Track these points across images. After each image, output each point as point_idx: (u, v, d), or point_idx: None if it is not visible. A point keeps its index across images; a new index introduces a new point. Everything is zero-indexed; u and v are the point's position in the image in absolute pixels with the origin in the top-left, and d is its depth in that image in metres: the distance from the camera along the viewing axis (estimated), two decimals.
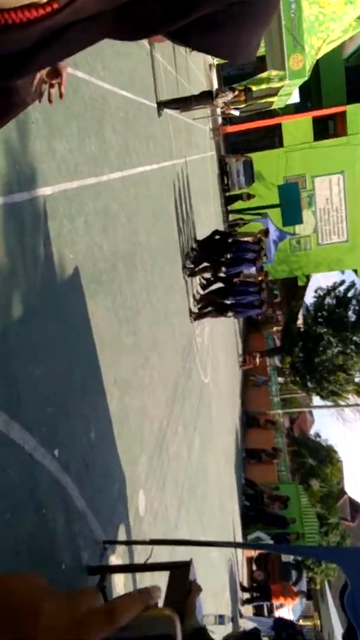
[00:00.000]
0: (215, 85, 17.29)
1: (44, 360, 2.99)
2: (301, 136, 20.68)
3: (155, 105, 7.56)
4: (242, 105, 10.71)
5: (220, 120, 16.91)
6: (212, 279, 9.67)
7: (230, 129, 18.46)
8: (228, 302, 9.47)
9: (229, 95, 8.48)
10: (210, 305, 9.39)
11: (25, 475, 2.55)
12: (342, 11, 11.91)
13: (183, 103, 7.98)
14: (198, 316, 9.24)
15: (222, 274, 9.65)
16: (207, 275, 9.84)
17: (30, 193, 3.17)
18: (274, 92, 12.40)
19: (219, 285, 9.54)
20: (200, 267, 9.32)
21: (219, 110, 13.65)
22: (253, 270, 9.95)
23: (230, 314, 9.76)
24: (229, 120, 18.46)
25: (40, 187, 3.30)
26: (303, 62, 11.37)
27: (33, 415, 2.71)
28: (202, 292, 9.75)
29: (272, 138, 21.45)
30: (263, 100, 15.31)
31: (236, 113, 10.83)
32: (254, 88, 10.50)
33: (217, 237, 10.14)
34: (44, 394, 2.89)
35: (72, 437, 3.21)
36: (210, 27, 1.02)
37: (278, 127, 20.79)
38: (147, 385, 5.43)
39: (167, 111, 8.15)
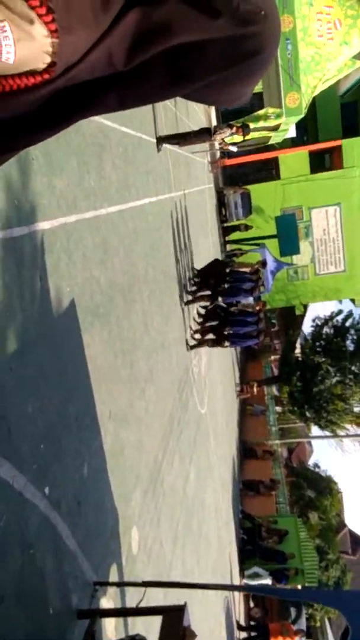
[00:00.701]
0: (214, 121, 17.73)
1: (38, 395, 2.97)
2: (298, 169, 21.10)
3: (155, 141, 7.73)
4: (240, 141, 10.96)
5: (218, 153, 17.28)
6: (209, 308, 9.71)
7: (228, 162, 18.84)
8: (225, 332, 9.48)
9: (227, 132, 8.69)
10: (207, 335, 9.40)
11: (14, 514, 2.49)
12: (338, 52, 12.32)
13: (182, 139, 8.16)
14: (195, 345, 9.23)
15: (219, 304, 9.69)
16: (204, 304, 9.89)
17: (29, 227, 3.20)
18: (271, 129, 12.73)
19: (216, 314, 9.57)
20: (198, 295, 9.36)
21: (217, 145, 13.96)
22: (250, 300, 10.01)
23: (227, 343, 9.76)
24: (227, 153, 18.88)
25: (39, 221, 3.34)
26: (299, 100, 11.70)
27: (24, 453, 2.67)
28: (199, 321, 9.78)
29: (269, 171, 21.89)
30: (260, 136, 15.68)
31: (234, 149, 11.07)
32: (251, 125, 10.78)
33: (217, 266, 10.26)
34: (36, 430, 2.86)
35: (64, 473, 3.16)
36: (208, 87, 1.06)
37: (275, 160, 21.23)
38: (142, 418, 5.38)
39: (166, 146, 8.33)
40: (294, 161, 20.97)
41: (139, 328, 5.66)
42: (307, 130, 22.21)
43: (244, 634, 12.94)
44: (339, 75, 13.72)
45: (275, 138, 14.82)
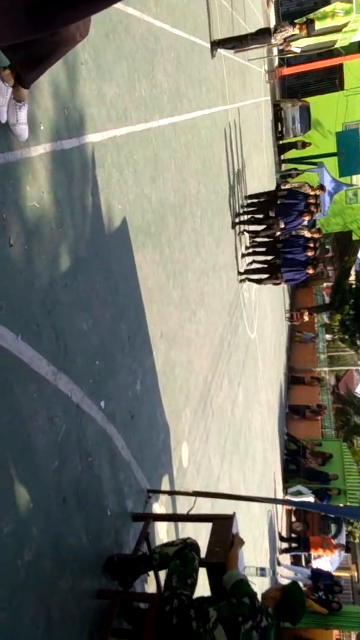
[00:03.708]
0: (273, 22, 16.15)
1: (92, 312, 2.98)
2: None
3: (209, 45, 7.13)
4: (304, 44, 9.91)
5: (276, 61, 15.88)
6: (261, 238, 9.30)
7: (287, 70, 17.31)
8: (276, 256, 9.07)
9: (289, 31, 7.82)
10: (259, 269, 9.06)
11: (73, 424, 2.59)
12: None
13: (238, 42, 7.48)
14: (246, 278, 9.01)
15: (271, 226, 9.22)
16: (256, 230, 9.49)
17: (79, 140, 3.07)
18: (339, 29, 11.39)
19: (270, 246, 9.13)
20: (250, 214, 8.93)
21: (275, 51, 12.77)
22: (305, 222, 9.44)
23: (278, 280, 9.34)
24: (285, 61, 17.31)
25: (89, 133, 3.19)
26: None
27: (80, 368, 2.73)
28: (249, 252, 9.41)
29: (332, 80, 20.03)
30: (325, 39, 14.16)
31: (297, 50, 10.02)
32: (317, 24, 9.65)
33: (270, 193, 9.74)
34: (91, 346, 2.90)
35: (118, 389, 3.24)
36: None
37: (340, 68, 19.36)
38: (193, 340, 5.41)
39: (221, 51, 7.69)
40: None
41: (190, 249, 5.54)
42: None
43: (285, 545, 13.70)
44: None
45: (342, 41, 13.34)
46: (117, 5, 3.85)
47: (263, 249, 9.10)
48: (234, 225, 8.60)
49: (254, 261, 9.27)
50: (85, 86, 3.15)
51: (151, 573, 3.15)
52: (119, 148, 3.65)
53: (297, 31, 7.95)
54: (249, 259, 9.38)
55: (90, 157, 3.19)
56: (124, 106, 3.81)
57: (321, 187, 10.41)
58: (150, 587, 3.34)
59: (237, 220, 8.74)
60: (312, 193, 9.42)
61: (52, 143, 2.71)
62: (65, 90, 2.91)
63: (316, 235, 9.29)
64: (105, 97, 3.45)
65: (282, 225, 8.73)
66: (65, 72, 2.91)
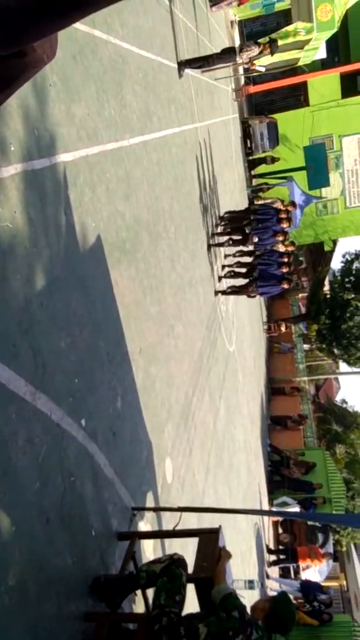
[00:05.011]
0: (237, 41, 16.60)
1: (69, 330, 2.97)
2: (328, 94, 19.82)
3: (176, 66, 7.29)
4: (268, 62, 10.21)
5: (242, 80, 16.28)
6: (235, 241, 9.45)
7: (254, 89, 17.76)
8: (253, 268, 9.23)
9: (255, 50, 8.05)
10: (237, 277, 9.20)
11: (53, 444, 2.57)
12: None
13: (205, 62, 7.66)
14: (223, 292, 9.10)
15: (246, 240, 9.39)
16: (233, 249, 9.62)
17: (50, 160, 3.09)
18: (301, 46, 11.76)
19: (244, 249, 9.31)
20: (225, 229, 9.07)
21: (241, 70, 13.11)
22: (279, 238, 9.64)
23: (253, 293, 9.48)
24: (252, 80, 17.76)
25: (60, 153, 3.22)
26: (332, 13, 10.73)
27: (59, 386, 2.71)
28: (229, 266, 9.52)
29: (297, 97, 20.62)
30: (289, 57, 14.60)
31: (262, 69, 10.32)
32: (279, 42, 9.97)
33: (244, 211, 9.91)
34: (69, 364, 2.88)
35: (98, 406, 3.22)
36: None
37: (304, 85, 19.95)
38: (172, 355, 5.42)
39: (188, 71, 7.85)
40: (323, 85, 19.66)
41: (165, 265, 5.58)
42: (338, 50, 20.62)
43: (273, 557, 13.63)
44: None
45: (305, 59, 13.78)
46: (84, 28, 3.93)
47: (242, 270, 9.23)
48: (209, 247, 8.68)
49: (233, 272, 9.39)
50: (54, 107, 3.18)
51: (139, 592, 3.11)
52: (90, 167, 3.68)
53: (261, 48, 8.19)
54: (226, 271, 9.50)
55: (62, 176, 3.21)
56: (94, 126, 3.86)
57: (292, 204, 10.66)
58: (139, 607, 3.29)
59: (212, 242, 8.85)
60: (283, 208, 9.64)
61: (23, 163, 2.72)
62: (35, 111, 2.94)
63: (290, 248, 9.49)
64: (75, 118, 3.49)
65: (255, 240, 8.88)
66: (34, 94, 2.94)
